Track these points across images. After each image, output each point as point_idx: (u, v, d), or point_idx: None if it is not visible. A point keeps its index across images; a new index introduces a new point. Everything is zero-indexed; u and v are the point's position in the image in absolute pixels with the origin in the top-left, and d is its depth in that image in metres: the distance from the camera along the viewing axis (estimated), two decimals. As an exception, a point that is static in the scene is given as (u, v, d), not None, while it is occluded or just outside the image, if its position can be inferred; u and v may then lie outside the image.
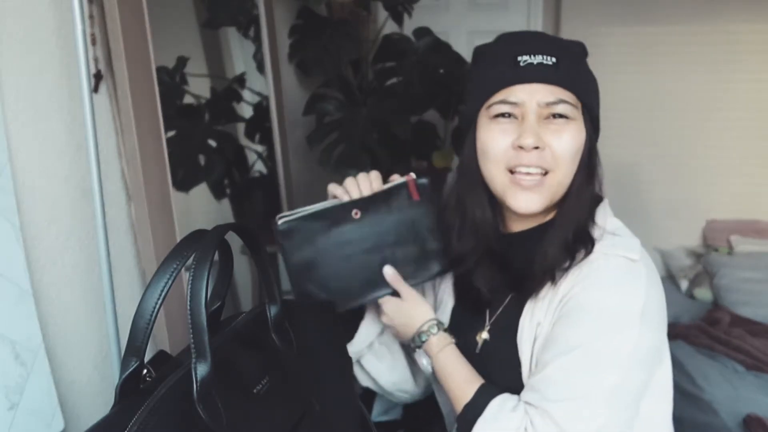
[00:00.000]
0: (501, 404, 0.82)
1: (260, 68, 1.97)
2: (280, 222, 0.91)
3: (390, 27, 2.64)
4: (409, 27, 2.54)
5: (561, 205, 0.88)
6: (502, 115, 0.84)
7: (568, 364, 0.78)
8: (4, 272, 0.94)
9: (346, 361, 0.87)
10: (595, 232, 0.86)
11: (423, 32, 2.53)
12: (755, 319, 2.18)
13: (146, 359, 0.60)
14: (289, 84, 2.19)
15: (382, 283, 0.94)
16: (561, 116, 0.83)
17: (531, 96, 0.82)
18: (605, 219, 0.88)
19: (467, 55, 2.64)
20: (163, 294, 0.58)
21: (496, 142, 0.84)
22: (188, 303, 0.56)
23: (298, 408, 0.70)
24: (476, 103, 0.87)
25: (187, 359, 0.57)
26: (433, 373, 0.93)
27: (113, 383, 1.19)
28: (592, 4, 2.85)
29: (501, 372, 0.88)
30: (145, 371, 0.61)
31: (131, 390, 0.59)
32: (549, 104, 0.82)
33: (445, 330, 0.93)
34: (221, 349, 0.62)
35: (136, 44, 1.19)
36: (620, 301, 0.80)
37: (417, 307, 0.93)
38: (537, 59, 0.82)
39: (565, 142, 0.83)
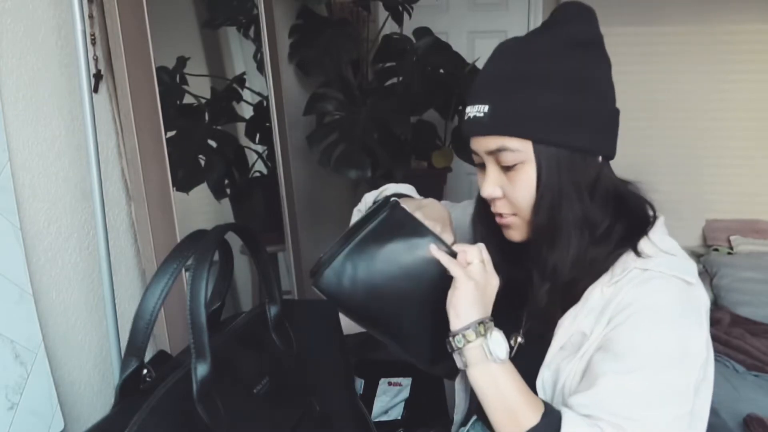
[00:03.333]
0: (576, 419, 0.76)
1: (260, 68, 1.96)
2: None
3: (390, 27, 2.64)
4: (409, 27, 2.54)
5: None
6: (479, 163, 0.84)
7: (631, 383, 0.76)
8: (4, 272, 0.94)
9: (347, 361, 0.87)
10: (649, 249, 0.83)
11: (423, 32, 2.53)
12: (755, 319, 2.17)
13: (146, 359, 0.60)
14: (289, 84, 2.19)
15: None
16: (507, 166, 0.80)
17: (480, 146, 0.81)
18: (661, 237, 0.86)
19: (467, 55, 2.66)
20: (163, 294, 0.58)
21: (480, 191, 0.85)
22: (188, 303, 0.56)
23: (298, 408, 0.70)
24: None
25: (187, 359, 0.58)
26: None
27: (113, 383, 1.19)
28: (592, 4, 2.85)
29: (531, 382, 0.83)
30: (145, 371, 0.61)
31: (131, 390, 0.59)
32: (492, 153, 0.80)
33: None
34: (221, 349, 0.62)
35: (136, 44, 1.19)
36: (683, 341, 0.79)
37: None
38: (472, 111, 0.80)
39: (518, 191, 0.81)
